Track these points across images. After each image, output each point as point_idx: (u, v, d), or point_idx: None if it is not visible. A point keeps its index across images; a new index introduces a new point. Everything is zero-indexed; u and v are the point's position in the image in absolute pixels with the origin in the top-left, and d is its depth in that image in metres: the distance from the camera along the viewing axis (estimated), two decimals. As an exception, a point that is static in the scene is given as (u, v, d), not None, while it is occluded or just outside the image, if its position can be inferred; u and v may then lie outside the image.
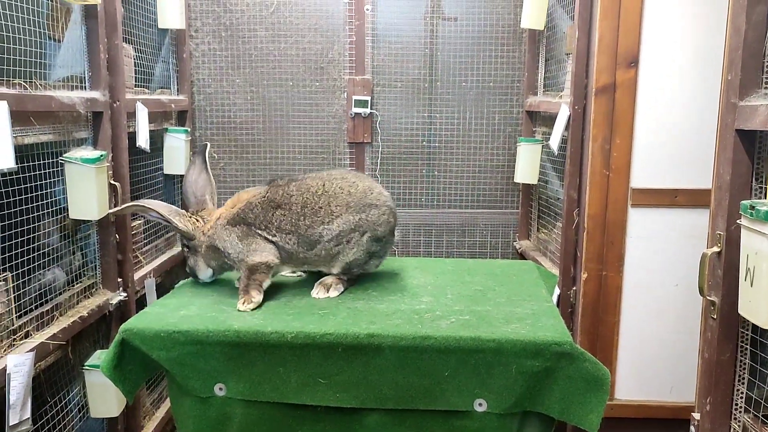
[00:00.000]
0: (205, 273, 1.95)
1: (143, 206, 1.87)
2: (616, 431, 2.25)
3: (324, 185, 1.85)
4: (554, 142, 2.42)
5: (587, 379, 1.52)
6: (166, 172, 2.74)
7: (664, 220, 2.26)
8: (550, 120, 2.66)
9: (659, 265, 2.28)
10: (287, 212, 1.81)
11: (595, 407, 1.51)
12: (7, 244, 1.68)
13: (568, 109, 2.32)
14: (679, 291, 2.28)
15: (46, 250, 1.89)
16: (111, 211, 1.96)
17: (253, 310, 1.73)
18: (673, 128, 2.22)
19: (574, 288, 2.36)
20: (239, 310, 1.72)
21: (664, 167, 2.24)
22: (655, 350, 2.31)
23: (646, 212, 2.26)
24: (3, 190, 1.65)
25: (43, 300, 1.85)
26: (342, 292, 1.86)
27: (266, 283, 1.81)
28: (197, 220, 1.90)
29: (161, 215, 1.85)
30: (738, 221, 1.28)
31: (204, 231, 1.88)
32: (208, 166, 2.02)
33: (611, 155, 2.23)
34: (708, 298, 1.41)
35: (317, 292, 1.84)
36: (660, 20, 2.16)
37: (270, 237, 1.81)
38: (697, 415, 1.46)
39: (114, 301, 2.13)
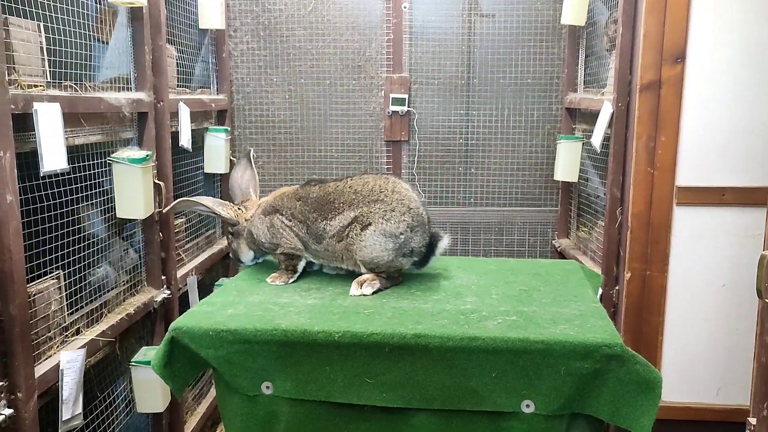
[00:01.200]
0: (246, 256, 2.10)
1: (190, 201, 2.05)
2: (661, 433, 2.22)
3: (338, 185, 1.91)
4: (597, 140, 2.38)
5: (638, 381, 1.49)
6: (206, 171, 2.77)
7: (711, 219, 2.21)
8: (590, 117, 2.62)
9: (705, 265, 2.23)
10: (304, 204, 1.92)
11: (647, 411, 1.48)
12: (60, 243, 1.72)
13: (612, 106, 2.28)
14: (726, 291, 2.23)
15: (97, 248, 1.93)
16: (165, 209, 2.14)
17: (284, 285, 1.95)
18: (721, 125, 2.17)
19: (617, 287, 2.33)
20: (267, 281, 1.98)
21: (711, 165, 2.20)
22: (701, 351, 2.27)
23: (692, 211, 2.22)
24: (55, 189, 1.69)
25: (93, 297, 1.89)
26: (378, 290, 1.85)
27: (301, 265, 1.98)
28: (239, 209, 2.08)
29: (207, 207, 2.04)
30: (800, 222, 1.24)
31: (246, 218, 2.06)
32: (253, 165, 2.22)
33: (656, 153, 2.19)
34: (766, 300, 1.38)
35: (353, 290, 1.85)
36: (708, 14, 2.12)
37: (287, 221, 1.93)
38: (753, 420, 1.43)
39: (158, 299, 2.17)
